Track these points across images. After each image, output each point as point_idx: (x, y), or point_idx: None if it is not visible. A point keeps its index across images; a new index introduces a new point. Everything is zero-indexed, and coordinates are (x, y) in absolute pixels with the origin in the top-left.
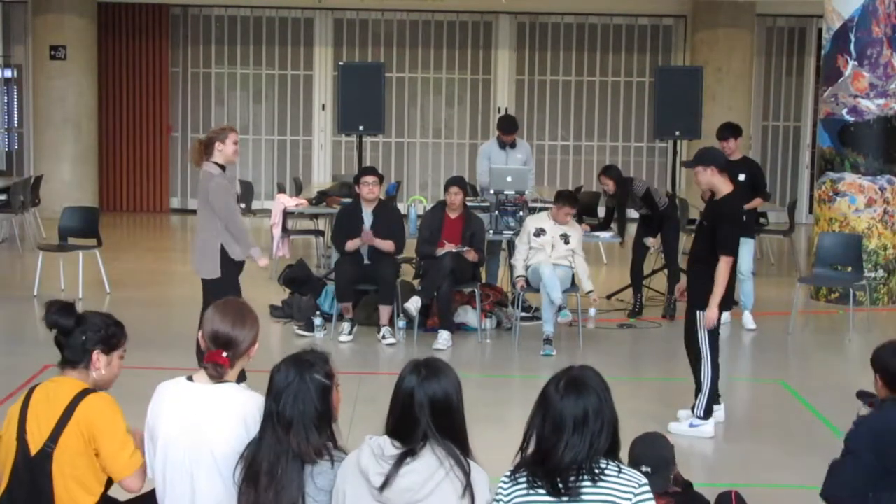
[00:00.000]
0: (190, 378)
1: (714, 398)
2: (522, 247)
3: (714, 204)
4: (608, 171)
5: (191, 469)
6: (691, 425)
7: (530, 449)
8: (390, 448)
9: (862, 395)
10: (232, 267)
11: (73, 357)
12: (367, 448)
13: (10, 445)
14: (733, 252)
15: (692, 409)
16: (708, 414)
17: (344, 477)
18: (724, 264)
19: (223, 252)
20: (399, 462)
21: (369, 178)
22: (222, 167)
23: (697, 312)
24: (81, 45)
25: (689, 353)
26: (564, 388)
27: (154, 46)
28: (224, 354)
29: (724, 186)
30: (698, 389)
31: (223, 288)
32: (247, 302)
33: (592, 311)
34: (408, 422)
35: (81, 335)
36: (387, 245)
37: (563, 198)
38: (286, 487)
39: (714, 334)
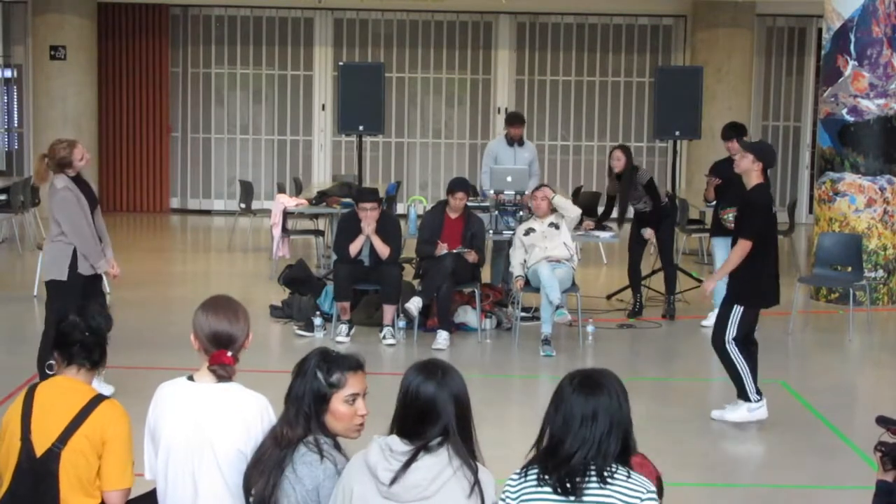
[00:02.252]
0: (191, 378)
1: (756, 380)
2: (517, 251)
3: (744, 194)
4: (624, 148)
5: (193, 469)
6: (749, 410)
7: (544, 443)
8: (399, 445)
9: (882, 421)
10: (77, 275)
11: (100, 357)
12: (375, 446)
13: (13, 446)
14: (751, 237)
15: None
16: (759, 393)
17: (350, 475)
18: (739, 245)
19: (74, 257)
20: (412, 458)
21: (367, 205)
22: (73, 177)
23: (735, 307)
24: (81, 45)
25: (716, 346)
26: (578, 384)
27: (154, 46)
28: (229, 354)
29: (756, 179)
30: (737, 379)
31: (65, 292)
32: (229, 295)
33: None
34: (424, 423)
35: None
36: (384, 248)
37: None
38: (266, 469)
39: (743, 329)
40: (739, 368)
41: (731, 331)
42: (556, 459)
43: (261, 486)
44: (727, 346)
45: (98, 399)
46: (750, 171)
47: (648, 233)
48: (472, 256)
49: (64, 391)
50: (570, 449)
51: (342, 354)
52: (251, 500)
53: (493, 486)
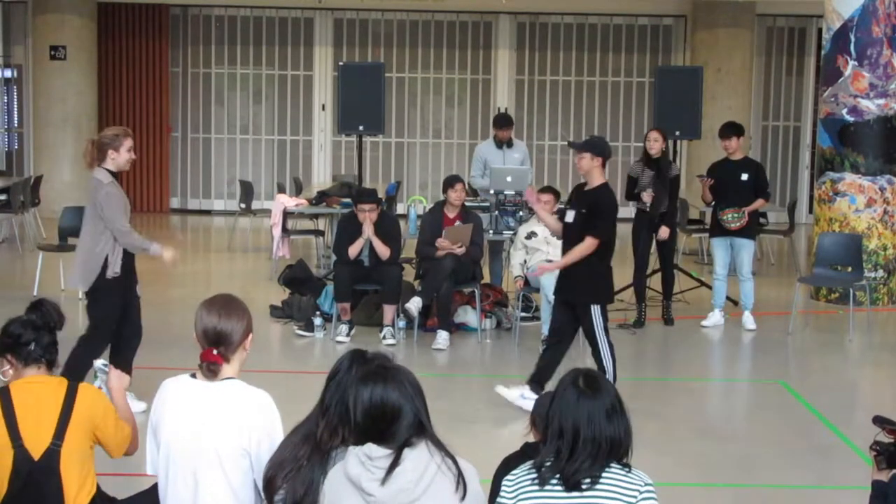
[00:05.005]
0: (194, 375)
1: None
2: (518, 252)
3: (589, 193)
4: (661, 129)
5: (194, 466)
6: (523, 396)
7: (543, 445)
8: (377, 450)
9: (878, 421)
10: (116, 280)
11: (53, 355)
12: (352, 458)
13: (4, 454)
14: (601, 237)
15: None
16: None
17: (334, 491)
18: (588, 243)
19: (104, 263)
20: (396, 460)
21: (366, 206)
22: (114, 174)
23: (592, 307)
24: (81, 45)
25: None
26: (587, 385)
27: (154, 46)
28: (215, 351)
29: (599, 178)
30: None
31: (107, 297)
32: (233, 294)
33: None
34: (393, 423)
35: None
36: (384, 249)
37: (541, 189)
38: (301, 474)
39: (606, 321)
40: (607, 367)
41: (598, 324)
42: (566, 456)
43: (297, 488)
44: (600, 338)
45: (73, 386)
46: (592, 169)
47: (664, 232)
48: (453, 242)
49: (39, 388)
50: (584, 447)
51: (376, 354)
52: (278, 499)
53: (476, 475)
